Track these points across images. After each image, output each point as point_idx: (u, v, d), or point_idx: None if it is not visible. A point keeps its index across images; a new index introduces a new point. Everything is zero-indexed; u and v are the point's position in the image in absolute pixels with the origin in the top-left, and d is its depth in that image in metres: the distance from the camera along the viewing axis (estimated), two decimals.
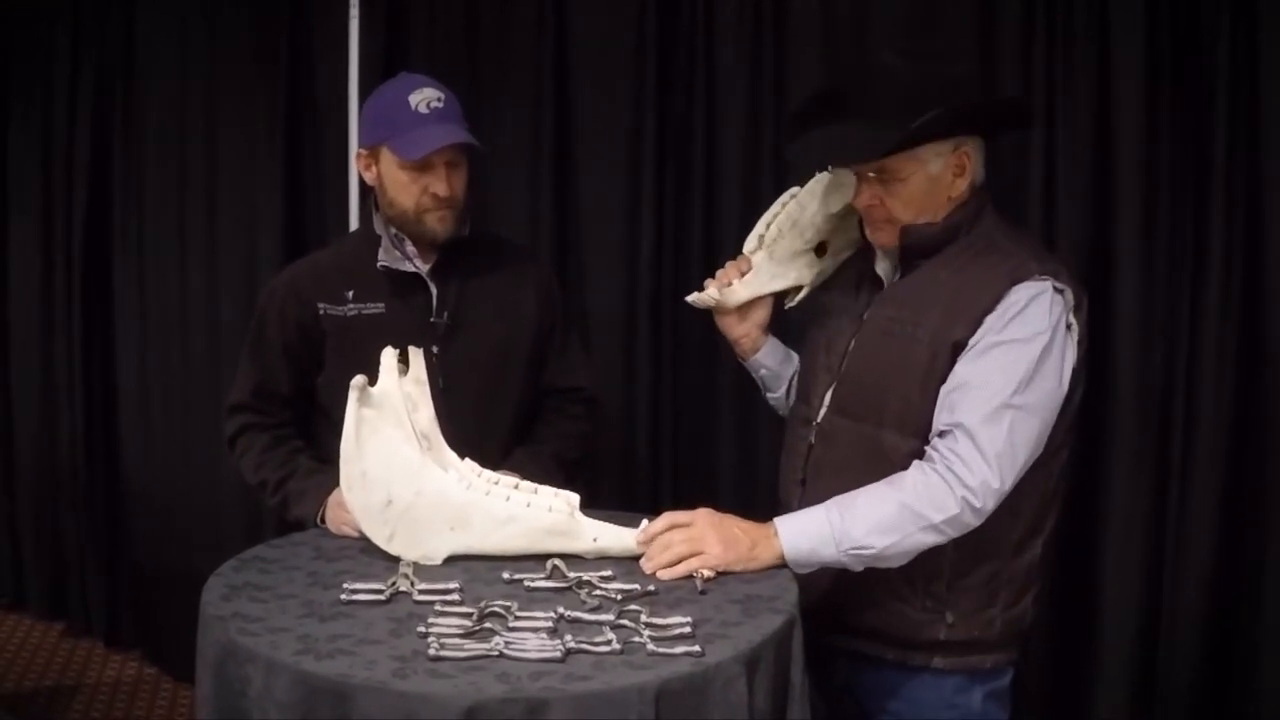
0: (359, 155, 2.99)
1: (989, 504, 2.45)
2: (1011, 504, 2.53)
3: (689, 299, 2.94)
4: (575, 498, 2.52)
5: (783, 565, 2.46)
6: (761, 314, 2.95)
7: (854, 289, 2.78)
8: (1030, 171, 3.20)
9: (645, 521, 2.52)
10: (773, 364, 3.01)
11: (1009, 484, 2.46)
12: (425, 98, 2.86)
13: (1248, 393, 3.03)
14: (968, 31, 3.28)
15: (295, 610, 2.24)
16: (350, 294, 2.96)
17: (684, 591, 2.35)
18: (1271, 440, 3.01)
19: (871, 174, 2.58)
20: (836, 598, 2.57)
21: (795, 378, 2.99)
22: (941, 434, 2.48)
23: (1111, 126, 3.11)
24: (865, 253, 2.79)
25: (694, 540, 2.44)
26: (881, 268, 2.71)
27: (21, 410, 5.86)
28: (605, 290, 3.96)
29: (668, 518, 2.50)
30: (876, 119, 2.51)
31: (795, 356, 3.00)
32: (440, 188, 2.86)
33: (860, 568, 2.48)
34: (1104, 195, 3.13)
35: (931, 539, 2.45)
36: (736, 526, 2.48)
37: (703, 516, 2.48)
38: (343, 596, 2.30)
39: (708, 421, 3.81)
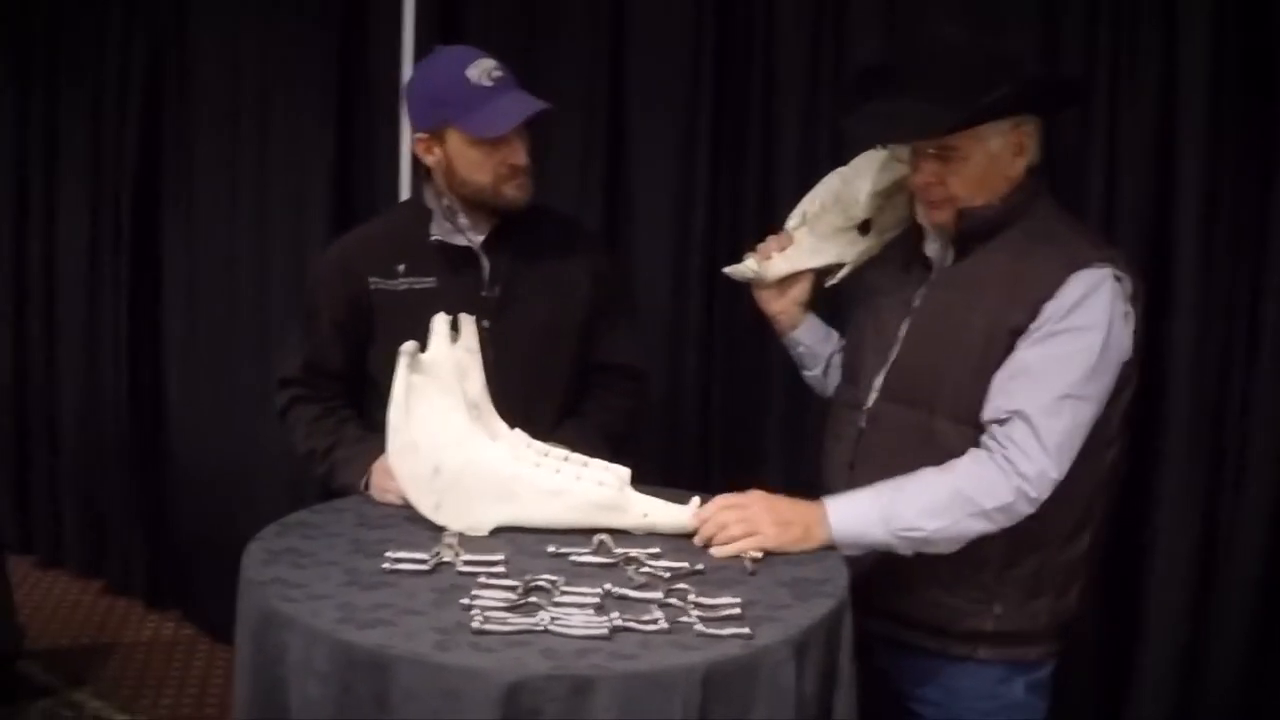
0: (418, 140, 2.91)
1: (1044, 493, 2.42)
2: (1062, 495, 2.49)
3: (727, 270, 2.95)
4: (626, 472, 2.49)
5: (833, 547, 2.43)
6: (800, 290, 2.93)
7: (902, 270, 2.74)
8: (1091, 156, 3.14)
9: (696, 500, 2.50)
10: (811, 342, 2.99)
11: (1064, 472, 2.43)
12: (484, 69, 2.79)
13: None
14: (1031, 11, 3.22)
15: (336, 578, 2.22)
16: (401, 268, 2.92)
17: (733, 572, 2.32)
18: None
19: (931, 151, 2.54)
20: (876, 583, 2.54)
21: (834, 357, 2.97)
22: (1000, 421, 2.44)
23: (1175, 112, 3.04)
24: (912, 233, 2.75)
25: (748, 521, 2.41)
26: (931, 249, 2.67)
27: (67, 370, 5.89)
28: (656, 267, 3.93)
29: (722, 499, 2.47)
30: (939, 95, 2.47)
31: (835, 335, 2.99)
32: (519, 158, 2.82)
33: (909, 551, 2.45)
34: (1166, 181, 3.07)
35: (982, 526, 2.43)
36: (789, 509, 2.46)
37: (757, 499, 2.46)
38: (385, 565, 2.27)
39: (756, 401, 3.78)
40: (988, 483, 2.41)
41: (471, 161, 2.83)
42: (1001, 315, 2.48)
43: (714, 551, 2.40)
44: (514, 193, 2.85)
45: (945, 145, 2.51)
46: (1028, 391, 2.42)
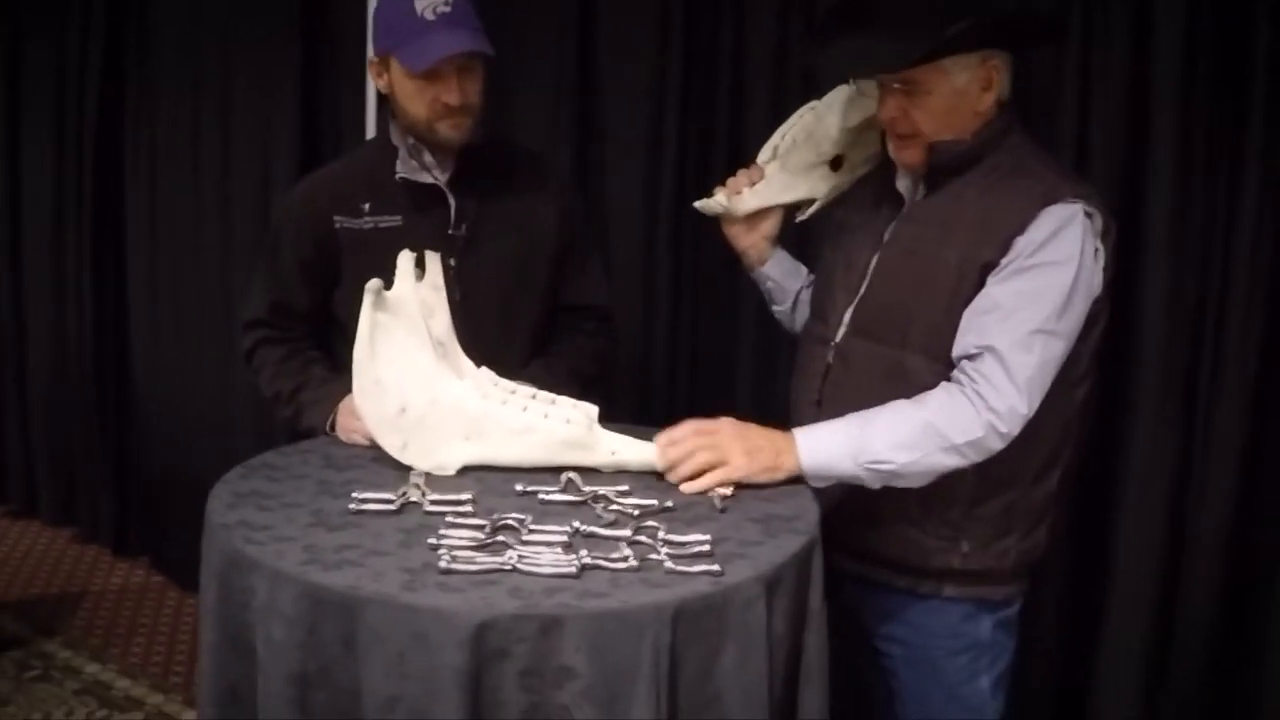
0: (371, 63, 2.92)
1: (1014, 429, 2.41)
2: (1031, 433, 2.49)
3: (697, 204, 2.93)
4: (594, 410, 2.47)
5: (801, 478, 2.43)
6: (770, 225, 2.92)
7: (873, 206, 2.72)
8: (1064, 93, 3.11)
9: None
10: (779, 276, 2.98)
11: (1034, 408, 2.42)
12: (432, 3, 2.75)
13: (1278, 323, 2.96)
14: None
15: (302, 519, 2.19)
16: (367, 206, 2.89)
17: (702, 509, 2.30)
18: None
19: (896, 85, 2.52)
20: (845, 520, 2.53)
21: (802, 292, 2.97)
22: (970, 356, 2.43)
23: (1149, 53, 3.02)
24: (884, 169, 2.73)
25: (718, 449, 2.40)
26: (902, 185, 2.66)
27: (34, 321, 5.86)
28: (627, 206, 3.90)
29: (691, 424, 2.46)
30: (903, 31, 2.45)
31: (804, 270, 2.98)
32: (451, 97, 2.78)
33: (878, 485, 2.44)
34: (1139, 118, 3.05)
35: (952, 461, 2.42)
36: (759, 437, 2.44)
37: (726, 425, 2.45)
38: (351, 506, 2.24)
39: (726, 340, 3.77)
40: (959, 417, 2.40)
41: (408, 93, 2.82)
42: (973, 250, 2.46)
43: (684, 488, 2.38)
44: (448, 131, 2.82)
45: (909, 79, 2.49)
46: (998, 327, 2.40)
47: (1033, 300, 2.40)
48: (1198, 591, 3.06)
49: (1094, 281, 2.46)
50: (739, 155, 3.54)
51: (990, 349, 2.40)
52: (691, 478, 2.39)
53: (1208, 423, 3.02)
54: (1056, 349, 2.43)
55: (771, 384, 3.58)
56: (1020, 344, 2.39)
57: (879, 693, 2.74)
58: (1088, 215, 2.44)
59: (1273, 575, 3.01)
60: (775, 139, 2.87)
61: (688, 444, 2.42)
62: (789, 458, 2.42)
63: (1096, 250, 2.46)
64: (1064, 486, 2.65)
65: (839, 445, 2.42)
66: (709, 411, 2.52)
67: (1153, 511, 3.09)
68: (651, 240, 3.85)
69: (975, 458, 2.42)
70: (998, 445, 2.42)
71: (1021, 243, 2.42)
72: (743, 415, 2.49)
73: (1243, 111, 2.92)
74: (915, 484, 2.45)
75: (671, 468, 2.41)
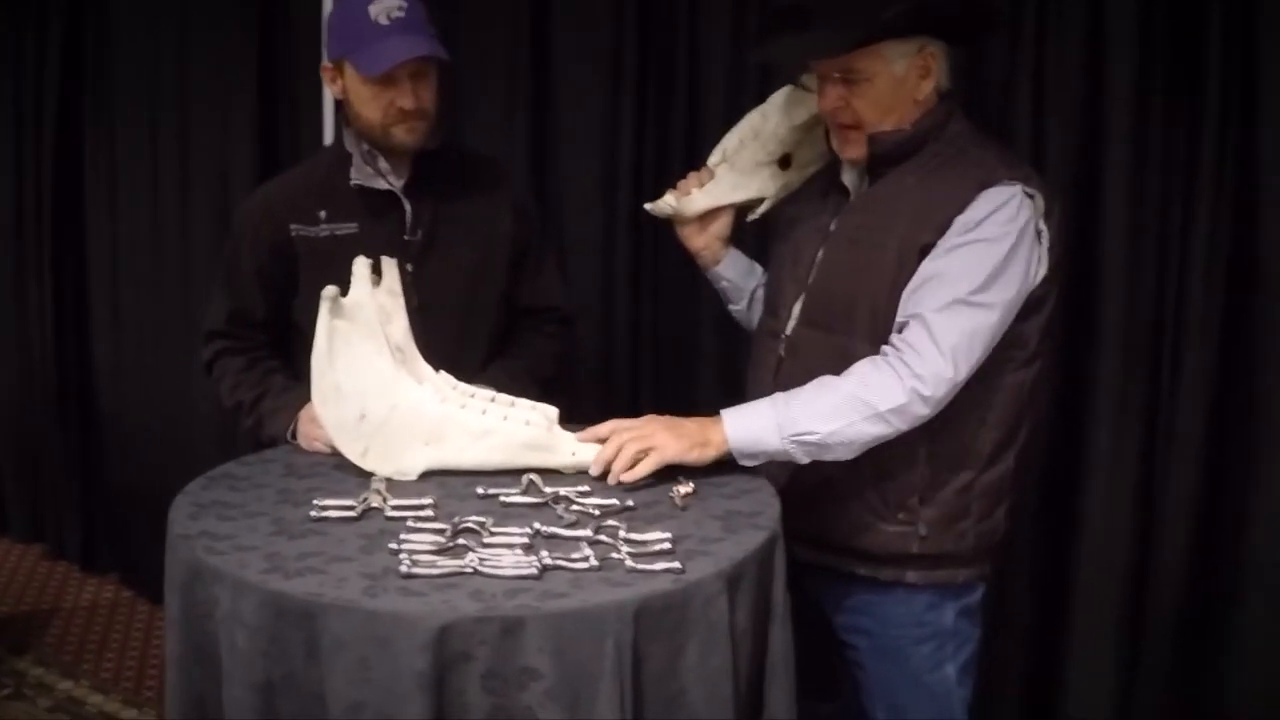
0: (325, 69, 2.91)
1: (939, 393, 2.42)
2: (983, 414, 2.53)
3: (647, 206, 2.95)
4: (554, 411, 2.48)
5: (733, 457, 2.45)
6: (721, 226, 2.93)
7: (820, 200, 2.75)
8: (1018, 86, 3.13)
9: None
10: (734, 276, 2.99)
11: (963, 374, 2.43)
12: (385, 8, 2.76)
13: (1237, 308, 2.98)
14: None
15: (264, 528, 2.19)
16: (323, 214, 2.89)
17: (663, 507, 2.31)
18: (1260, 355, 2.97)
19: (837, 75, 2.55)
20: (803, 510, 2.53)
21: (758, 290, 2.98)
22: (900, 327, 2.46)
23: (1104, 40, 3.04)
24: (832, 166, 2.75)
25: (644, 437, 2.43)
26: (848, 178, 2.68)
27: None
28: (584, 208, 3.90)
29: (613, 423, 2.49)
30: (841, 21, 2.48)
31: (759, 269, 3.00)
32: (406, 101, 2.79)
33: (806, 459, 2.45)
34: (1095, 110, 3.07)
35: (878, 429, 2.42)
36: (685, 421, 2.48)
37: (649, 418, 2.49)
38: (313, 514, 2.24)
39: (688, 341, 3.77)
40: (881, 385, 2.41)
41: (362, 98, 2.82)
42: (912, 235, 2.49)
43: (624, 478, 2.40)
44: (403, 136, 2.83)
45: (849, 69, 2.52)
46: (928, 296, 2.44)
47: (962, 272, 2.42)
48: (1165, 577, 3.08)
49: (1033, 259, 2.48)
50: (695, 154, 3.54)
51: (917, 316, 2.43)
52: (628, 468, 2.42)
53: (1171, 408, 3.04)
54: (987, 319, 2.43)
55: (735, 381, 3.57)
56: (945, 309, 2.41)
57: (845, 683, 2.75)
58: (1029, 195, 2.46)
59: (1240, 558, 3.03)
60: (724, 142, 2.89)
61: (615, 440, 2.44)
62: (716, 434, 2.44)
63: (1040, 231, 2.48)
64: (1021, 468, 2.66)
65: (765, 420, 2.43)
66: (672, 411, 2.53)
67: (1118, 498, 3.11)
68: (610, 241, 3.86)
69: (902, 425, 2.43)
70: (923, 410, 2.42)
71: (958, 222, 2.45)
72: (706, 413, 2.50)
73: (1197, 95, 2.94)
74: (844, 456, 2.45)
75: (606, 468, 2.43)
